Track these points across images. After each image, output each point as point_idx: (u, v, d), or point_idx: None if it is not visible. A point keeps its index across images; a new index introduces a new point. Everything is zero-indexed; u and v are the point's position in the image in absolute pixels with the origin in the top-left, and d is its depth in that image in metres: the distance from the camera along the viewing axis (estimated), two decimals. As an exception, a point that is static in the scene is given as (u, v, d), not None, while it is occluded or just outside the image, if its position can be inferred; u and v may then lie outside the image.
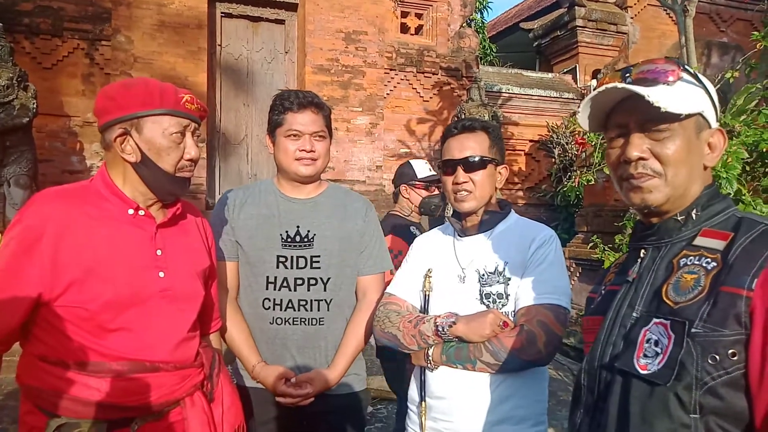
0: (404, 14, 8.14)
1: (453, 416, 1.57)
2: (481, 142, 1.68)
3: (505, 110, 8.56)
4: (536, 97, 8.89)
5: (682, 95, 0.97)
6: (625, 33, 9.22)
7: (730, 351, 0.84)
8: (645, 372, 0.91)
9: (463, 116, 6.90)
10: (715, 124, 1.02)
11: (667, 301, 0.93)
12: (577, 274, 6.35)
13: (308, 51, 7.27)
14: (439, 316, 1.60)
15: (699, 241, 0.96)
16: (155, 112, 1.36)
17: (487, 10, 13.10)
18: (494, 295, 1.60)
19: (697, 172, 1.01)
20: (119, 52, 6.58)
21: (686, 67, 1.01)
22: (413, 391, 1.72)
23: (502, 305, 1.59)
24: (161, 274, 1.41)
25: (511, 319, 1.57)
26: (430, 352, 1.59)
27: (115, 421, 1.34)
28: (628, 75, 1.00)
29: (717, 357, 0.84)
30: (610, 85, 1.00)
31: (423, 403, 1.63)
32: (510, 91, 8.76)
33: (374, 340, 1.80)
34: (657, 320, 0.93)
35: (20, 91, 5.43)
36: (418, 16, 8.24)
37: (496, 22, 15.16)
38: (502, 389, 1.55)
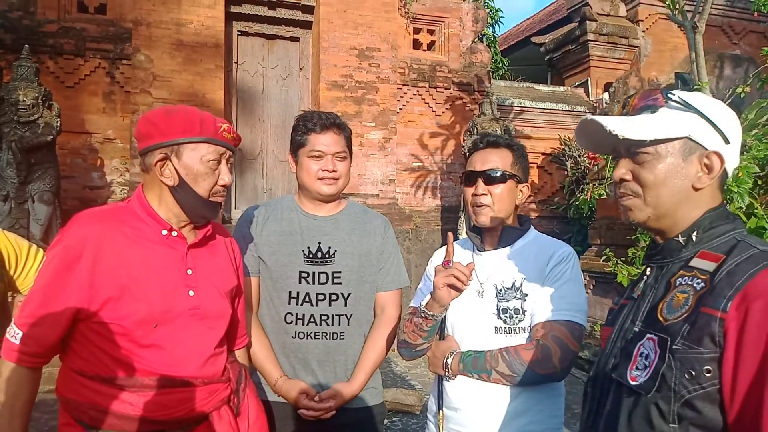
0: (417, 30, 8.25)
1: (468, 428, 1.61)
2: (503, 158, 1.71)
3: (518, 124, 8.62)
4: (548, 111, 8.94)
5: (662, 121, 1.03)
6: (637, 46, 9.26)
7: (706, 368, 0.89)
8: (634, 383, 0.97)
9: (475, 131, 6.95)
10: (713, 146, 1.03)
11: (660, 318, 0.98)
12: (591, 287, 6.35)
13: (322, 67, 7.40)
14: (420, 304, 1.65)
15: (695, 262, 1.00)
16: (195, 139, 1.43)
17: (498, 24, 13.21)
18: (511, 310, 1.63)
19: (684, 194, 1.04)
20: (139, 70, 6.74)
21: (671, 94, 1.06)
22: (431, 401, 1.76)
23: (519, 320, 1.62)
24: (191, 293, 1.47)
25: (527, 334, 1.62)
26: (449, 360, 1.63)
27: None
28: (626, 106, 1.07)
29: (693, 372, 0.90)
30: (584, 118, 1.09)
31: (440, 412, 1.67)
32: (522, 105, 8.82)
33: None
34: (649, 335, 0.99)
35: (45, 109, 5.60)
36: (431, 32, 8.34)
37: (508, 36, 15.26)
38: (518, 403, 1.58)
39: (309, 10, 7.62)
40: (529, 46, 11.63)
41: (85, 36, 6.81)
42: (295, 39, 7.81)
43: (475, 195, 1.69)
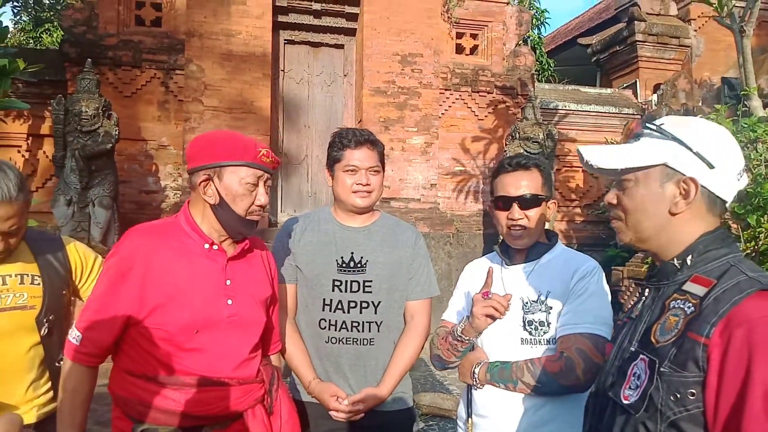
0: (459, 35, 8.26)
1: None
2: (534, 180, 1.76)
3: (562, 127, 8.50)
4: (594, 113, 8.77)
5: (638, 150, 1.09)
6: (689, 46, 8.96)
7: (690, 391, 0.93)
8: (626, 402, 1.02)
9: (517, 135, 6.92)
10: (692, 172, 1.05)
11: (653, 340, 1.02)
12: (636, 295, 6.21)
13: (366, 74, 7.52)
14: (456, 324, 1.74)
15: (688, 285, 1.03)
16: (235, 163, 1.57)
17: (544, 25, 13.02)
18: (536, 322, 1.69)
19: (663, 219, 1.07)
20: (191, 80, 7.05)
21: (649, 124, 1.10)
22: (461, 408, 1.84)
23: (544, 332, 1.68)
24: (229, 302, 1.60)
25: (552, 346, 1.67)
26: (477, 370, 1.70)
27: (187, 429, 1.53)
28: (624, 133, 1.14)
29: (678, 395, 0.94)
30: (577, 150, 1.17)
31: (469, 420, 1.75)
32: (567, 108, 8.69)
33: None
34: (642, 356, 1.03)
35: (105, 119, 5.97)
36: (473, 36, 8.34)
37: (556, 35, 15.00)
38: (543, 413, 1.63)
39: (353, 17, 7.76)
40: (576, 46, 11.42)
41: (141, 48, 7.18)
42: (340, 46, 7.98)
43: (511, 219, 1.74)
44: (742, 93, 4.78)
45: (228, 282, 1.62)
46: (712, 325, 0.93)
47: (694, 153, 1.05)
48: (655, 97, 7.79)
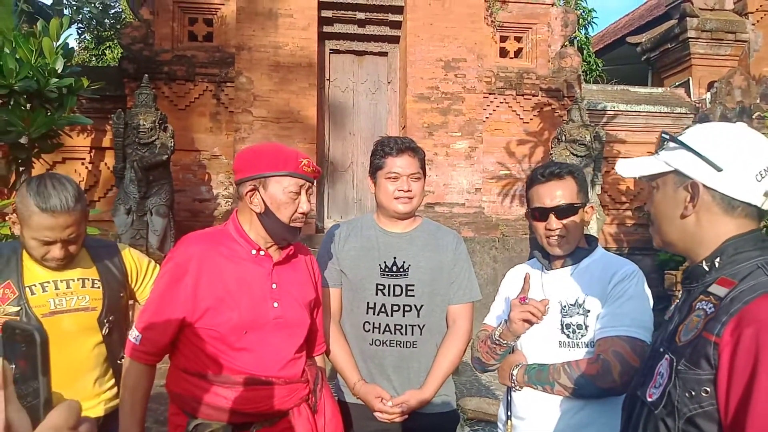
0: (503, 39, 8.21)
1: None
2: (569, 188, 1.78)
3: (611, 129, 8.31)
4: (644, 113, 8.53)
5: (655, 159, 1.16)
6: (746, 41, 8.58)
7: (704, 388, 0.95)
8: (650, 400, 1.05)
9: (563, 137, 6.82)
10: (701, 176, 1.08)
11: (677, 340, 1.05)
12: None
13: (409, 81, 7.59)
14: (495, 328, 1.78)
15: (713, 287, 1.05)
16: (278, 173, 1.67)
17: (592, 24, 12.75)
18: (574, 325, 1.71)
19: (678, 223, 1.12)
20: (241, 92, 7.31)
21: (664, 134, 1.18)
22: (501, 410, 1.87)
23: (581, 335, 1.70)
24: (275, 305, 1.70)
25: (590, 348, 1.68)
26: (515, 372, 1.73)
27: (238, 425, 1.62)
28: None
29: (693, 392, 0.96)
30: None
31: (509, 422, 1.78)
32: (615, 109, 8.49)
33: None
34: (666, 356, 1.06)
35: (161, 131, 6.27)
36: (518, 39, 8.27)
37: (605, 34, 14.66)
38: (582, 416, 1.65)
39: (396, 25, 7.86)
40: (625, 45, 11.14)
41: (194, 62, 7.50)
42: (384, 54, 8.08)
43: (549, 229, 1.77)
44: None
45: (274, 286, 1.71)
46: (723, 324, 0.95)
47: (700, 156, 1.08)
48: (708, 95, 7.51)
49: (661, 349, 1.10)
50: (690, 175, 1.10)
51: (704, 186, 1.08)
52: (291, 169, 1.67)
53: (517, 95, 8.02)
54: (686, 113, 8.44)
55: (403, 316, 2.01)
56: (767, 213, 1.13)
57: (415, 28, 7.58)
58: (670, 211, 1.14)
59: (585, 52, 11.81)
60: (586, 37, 12.48)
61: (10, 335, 0.56)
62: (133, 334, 1.67)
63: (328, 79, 7.94)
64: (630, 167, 1.21)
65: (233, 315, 1.62)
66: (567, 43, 8.45)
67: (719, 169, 1.07)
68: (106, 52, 13.60)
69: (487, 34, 7.98)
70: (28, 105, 4.10)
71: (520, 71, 8.06)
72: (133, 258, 2.11)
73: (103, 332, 1.92)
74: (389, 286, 2.02)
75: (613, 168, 8.40)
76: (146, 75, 6.66)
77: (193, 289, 1.62)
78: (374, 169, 2.10)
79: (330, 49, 7.95)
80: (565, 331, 1.71)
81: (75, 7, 9.64)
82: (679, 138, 1.12)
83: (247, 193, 1.68)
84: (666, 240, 1.17)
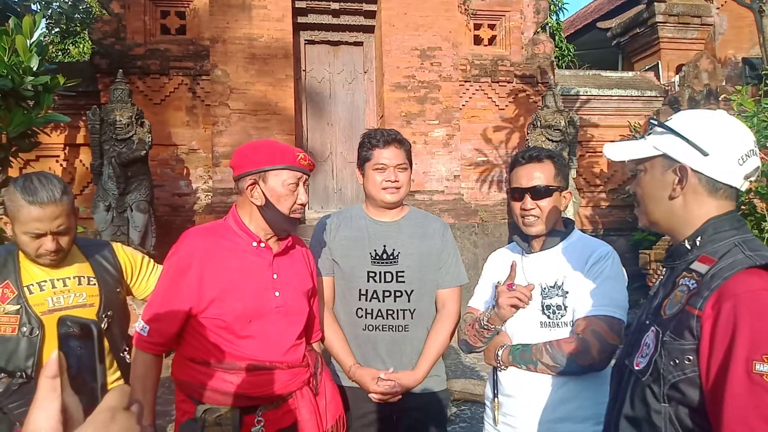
0: (477, 26, 8.29)
1: (519, 412, 1.80)
2: (547, 171, 1.86)
3: (584, 113, 8.49)
4: (616, 97, 8.73)
5: (643, 144, 1.23)
6: (711, 25, 8.82)
7: (687, 357, 1.05)
8: (637, 368, 1.15)
9: (538, 123, 6.95)
10: (688, 160, 1.15)
11: (662, 313, 1.14)
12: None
13: (386, 70, 7.63)
14: (483, 313, 1.87)
15: (695, 264, 1.14)
16: (277, 167, 1.74)
17: (562, 10, 12.91)
18: (554, 306, 1.80)
19: (666, 204, 1.20)
20: (217, 84, 7.26)
21: (653, 120, 1.25)
22: (488, 389, 1.97)
23: (561, 316, 1.79)
24: (277, 294, 1.77)
25: (570, 328, 1.78)
26: (500, 353, 1.82)
27: (244, 408, 1.70)
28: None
29: (677, 361, 1.06)
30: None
31: (496, 399, 1.87)
32: (588, 93, 8.67)
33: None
34: (653, 328, 1.15)
35: (138, 127, 6.21)
36: (491, 27, 8.36)
37: (575, 19, 14.86)
38: (564, 391, 1.75)
39: (371, 15, 7.87)
40: (595, 30, 11.32)
41: (168, 56, 7.41)
42: (359, 44, 8.10)
43: (524, 209, 1.85)
44: (763, 72, 4.75)
45: (275, 276, 1.78)
46: (705, 299, 1.05)
47: (688, 142, 1.15)
48: (677, 78, 7.72)
49: (647, 322, 1.19)
50: (678, 159, 1.17)
51: (692, 169, 1.15)
52: (288, 162, 1.74)
53: (493, 82, 8.13)
54: (656, 96, 8.67)
55: (395, 301, 2.09)
56: (743, 194, 1.23)
57: (390, 18, 7.61)
58: (657, 192, 1.21)
59: (557, 37, 11.98)
60: (557, 23, 12.64)
61: (67, 329, 0.61)
62: (141, 326, 1.72)
63: (305, 70, 7.94)
64: (619, 151, 1.26)
65: (238, 305, 1.69)
66: (539, 29, 8.57)
67: (705, 154, 1.14)
68: (71, 47, 13.29)
69: (461, 22, 8.05)
70: (4, 104, 4.05)
71: (495, 58, 8.16)
72: (126, 254, 2.15)
73: (103, 327, 1.97)
74: (380, 273, 2.10)
75: (587, 152, 8.61)
76: (120, 70, 6.58)
77: (198, 280, 1.68)
78: (362, 161, 2.16)
79: (305, 40, 7.94)
80: (546, 312, 1.80)
81: (44, 3, 9.41)
82: (667, 123, 1.20)
83: (247, 187, 1.75)
84: (652, 220, 1.24)
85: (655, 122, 1.22)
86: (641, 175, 1.24)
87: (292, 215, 1.77)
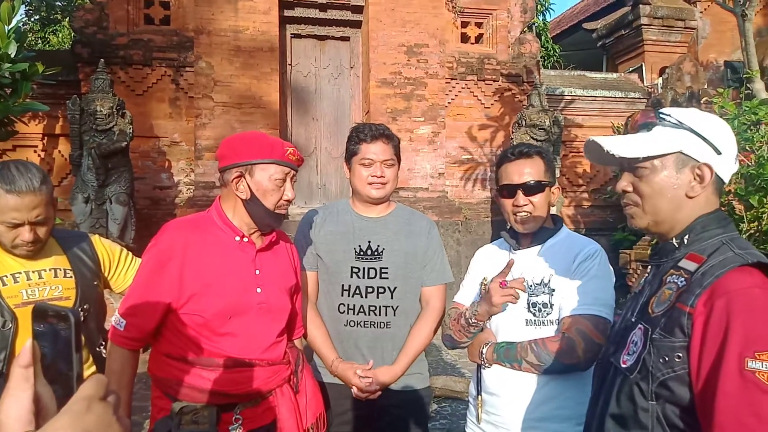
0: (464, 24, 8.29)
1: (503, 411, 1.79)
2: (537, 167, 1.84)
3: (568, 113, 8.53)
4: (600, 98, 8.79)
5: (655, 139, 1.17)
6: (694, 28, 8.93)
7: (677, 354, 1.04)
8: (624, 366, 1.14)
9: (523, 123, 6.98)
10: (704, 158, 1.13)
11: (650, 311, 1.13)
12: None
13: (372, 65, 7.60)
14: (468, 308, 1.85)
15: (682, 262, 1.13)
16: (265, 161, 1.69)
17: (549, 11, 12.98)
18: (540, 304, 1.78)
19: (679, 202, 1.16)
20: (201, 77, 7.17)
21: (664, 113, 1.19)
22: (472, 387, 1.95)
23: (547, 314, 1.78)
24: (259, 290, 1.73)
25: (556, 326, 1.77)
26: (484, 350, 1.81)
27: (222, 406, 1.66)
28: (627, 125, 1.24)
29: (666, 358, 1.05)
30: (588, 139, 1.24)
31: (479, 397, 1.86)
32: (573, 94, 8.73)
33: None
34: (640, 325, 1.14)
35: (119, 117, 6.11)
36: (478, 25, 8.37)
37: (561, 20, 14.94)
38: (547, 390, 1.74)
39: (358, 10, 7.83)
40: (581, 31, 11.40)
41: (151, 46, 7.29)
42: (346, 39, 8.04)
43: (516, 206, 1.83)
44: (744, 76, 4.82)
45: (257, 272, 1.75)
46: (696, 297, 1.04)
47: (706, 141, 1.14)
48: (660, 80, 7.80)
49: (633, 320, 1.19)
50: (696, 158, 1.14)
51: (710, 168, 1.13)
52: (277, 156, 1.70)
53: (479, 80, 8.13)
54: (639, 98, 8.75)
55: (377, 297, 2.07)
56: (723, 196, 1.23)
57: (377, 13, 7.57)
58: (671, 191, 1.15)
59: (543, 37, 12.04)
60: (543, 23, 12.71)
61: (42, 317, 0.60)
62: (117, 321, 1.68)
63: (290, 64, 7.87)
64: (627, 147, 1.18)
65: (218, 300, 1.65)
66: (526, 29, 8.59)
67: (719, 153, 1.13)
68: (51, 36, 13.03)
69: (449, 19, 8.05)
70: (-20, 91, 3.95)
71: (481, 57, 8.17)
72: (104, 246, 2.10)
73: None
74: (364, 269, 2.08)
75: (571, 152, 8.67)
76: (102, 60, 6.45)
77: (178, 274, 1.64)
78: (349, 155, 2.14)
79: (291, 34, 7.86)
80: (532, 309, 1.79)
81: (23, -12, 9.19)
82: (682, 120, 1.15)
83: (233, 179, 1.70)
84: (658, 219, 1.18)
85: (667, 116, 1.17)
86: (646, 173, 1.17)
87: (277, 211, 1.73)
